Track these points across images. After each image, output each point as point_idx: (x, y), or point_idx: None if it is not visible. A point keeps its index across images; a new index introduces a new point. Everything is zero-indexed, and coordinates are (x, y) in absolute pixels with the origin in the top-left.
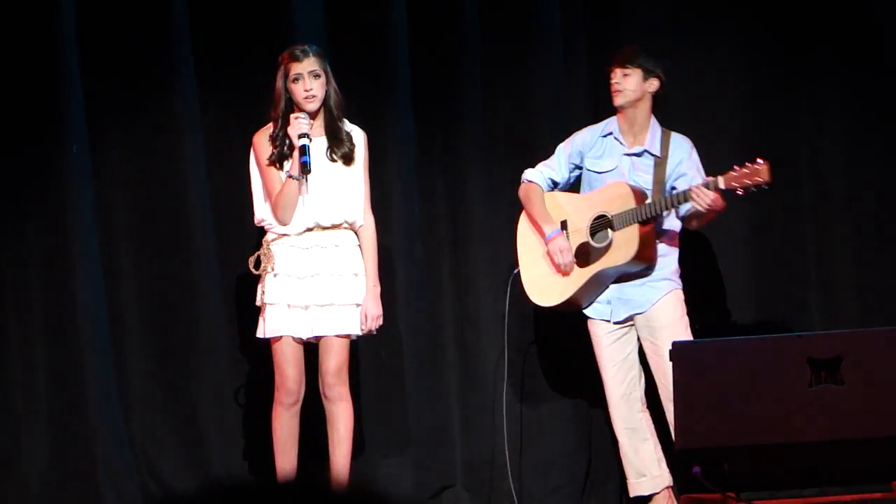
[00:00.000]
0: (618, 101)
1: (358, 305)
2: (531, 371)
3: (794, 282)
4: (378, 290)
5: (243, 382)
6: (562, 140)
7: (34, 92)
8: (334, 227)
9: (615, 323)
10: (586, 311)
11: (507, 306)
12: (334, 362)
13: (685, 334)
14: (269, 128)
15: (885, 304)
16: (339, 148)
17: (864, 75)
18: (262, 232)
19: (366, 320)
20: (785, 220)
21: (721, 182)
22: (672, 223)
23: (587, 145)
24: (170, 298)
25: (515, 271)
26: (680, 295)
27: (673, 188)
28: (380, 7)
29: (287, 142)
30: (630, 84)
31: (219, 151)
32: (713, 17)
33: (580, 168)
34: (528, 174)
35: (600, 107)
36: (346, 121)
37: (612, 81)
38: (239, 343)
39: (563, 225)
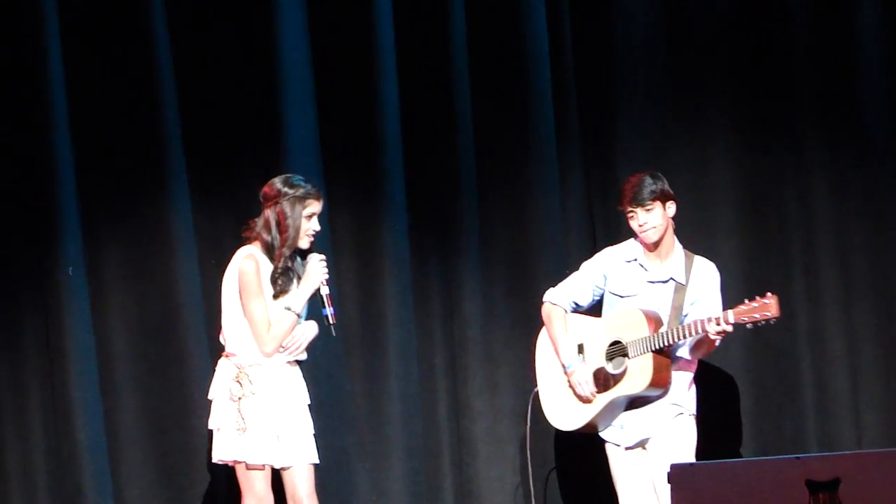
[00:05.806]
0: (652, 238)
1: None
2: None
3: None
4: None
5: None
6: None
7: (29, 215)
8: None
9: (626, 448)
10: (602, 434)
11: (528, 425)
12: (307, 487)
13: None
14: (253, 255)
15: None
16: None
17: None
18: None
19: None
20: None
21: (731, 316)
22: (684, 349)
23: (611, 269)
24: (167, 419)
25: (535, 390)
26: (688, 420)
27: (685, 315)
28: (373, 127)
29: (292, 275)
30: (655, 218)
31: (213, 272)
32: (704, 113)
33: (603, 289)
34: (551, 295)
35: (594, 219)
36: None
37: (639, 224)
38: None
39: (580, 348)
